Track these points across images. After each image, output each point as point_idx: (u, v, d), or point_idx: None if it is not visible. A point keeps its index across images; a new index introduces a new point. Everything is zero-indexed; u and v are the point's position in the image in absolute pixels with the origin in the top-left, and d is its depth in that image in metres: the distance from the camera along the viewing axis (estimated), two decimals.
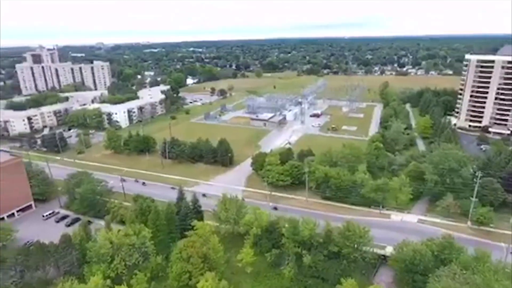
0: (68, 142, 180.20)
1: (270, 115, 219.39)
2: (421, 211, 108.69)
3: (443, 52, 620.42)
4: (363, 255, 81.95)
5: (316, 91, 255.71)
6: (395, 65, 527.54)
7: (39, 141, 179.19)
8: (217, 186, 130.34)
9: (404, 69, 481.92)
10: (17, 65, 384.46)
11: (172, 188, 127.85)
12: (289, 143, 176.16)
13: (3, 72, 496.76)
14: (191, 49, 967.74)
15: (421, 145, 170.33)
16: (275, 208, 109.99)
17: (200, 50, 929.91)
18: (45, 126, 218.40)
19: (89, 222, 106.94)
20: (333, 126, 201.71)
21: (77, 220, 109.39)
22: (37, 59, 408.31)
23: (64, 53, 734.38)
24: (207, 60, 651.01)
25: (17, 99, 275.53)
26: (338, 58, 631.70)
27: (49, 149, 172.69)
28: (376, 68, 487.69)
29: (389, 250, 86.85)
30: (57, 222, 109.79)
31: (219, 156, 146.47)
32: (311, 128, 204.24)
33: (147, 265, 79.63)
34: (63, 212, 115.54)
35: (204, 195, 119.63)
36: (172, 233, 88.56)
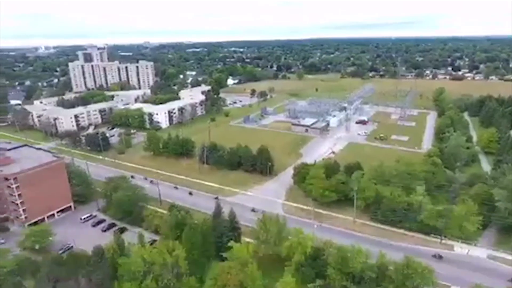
0: (110, 142, 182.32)
1: (312, 120, 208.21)
2: (490, 244, 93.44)
3: (505, 55, 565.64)
4: None
5: (363, 96, 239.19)
6: (449, 68, 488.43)
7: (83, 139, 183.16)
8: (255, 197, 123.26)
9: (460, 73, 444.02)
10: (70, 63, 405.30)
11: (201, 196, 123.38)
12: (333, 152, 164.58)
13: (58, 69, 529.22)
14: (233, 49, 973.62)
15: (484, 162, 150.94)
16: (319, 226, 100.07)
17: (241, 50, 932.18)
18: (90, 124, 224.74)
19: (124, 229, 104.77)
20: (382, 135, 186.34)
21: (113, 225, 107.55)
22: (88, 57, 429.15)
23: (114, 52, 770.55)
24: (248, 60, 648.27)
25: (67, 96, 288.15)
26: (385, 60, 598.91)
27: (92, 148, 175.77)
28: (428, 72, 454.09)
29: None
30: (94, 226, 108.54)
31: (259, 164, 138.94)
32: (357, 136, 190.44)
33: (179, 286, 73.84)
34: (100, 216, 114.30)
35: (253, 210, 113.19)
36: (207, 251, 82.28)
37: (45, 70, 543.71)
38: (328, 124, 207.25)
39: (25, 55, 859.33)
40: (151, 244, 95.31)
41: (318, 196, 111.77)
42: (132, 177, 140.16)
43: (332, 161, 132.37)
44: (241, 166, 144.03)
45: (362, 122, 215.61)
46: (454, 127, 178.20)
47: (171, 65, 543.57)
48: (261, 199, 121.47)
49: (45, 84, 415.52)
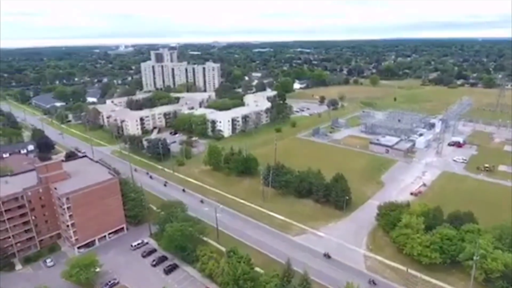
0: (171, 149, 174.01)
1: (394, 139, 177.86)
2: None
3: None
4: None
5: (460, 112, 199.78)
6: None
7: (145, 145, 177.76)
8: (328, 240, 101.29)
9: None
10: (142, 63, 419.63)
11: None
12: (424, 184, 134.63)
13: (133, 68, 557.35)
14: (299, 49, 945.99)
15: None
16: None
17: (308, 50, 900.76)
18: (154, 127, 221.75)
19: (175, 267, 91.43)
20: (487, 165, 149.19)
21: (164, 259, 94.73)
22: (159, 57, 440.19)
23: (184, 51, 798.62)
24: (315, 62, 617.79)
25: (136, 96, 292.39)
26: (474, 65, 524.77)
27: (152, 156, 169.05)
28: None
29: None
30: (144, 257, 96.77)
31: (333, 196, 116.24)
32: (452, 164, 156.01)
33: None
34: (152, 243, 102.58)
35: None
36: None
37: (122, 68, 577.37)
38: (413, 145, 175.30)
39: (107, 52, 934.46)
40: None
41: (414, 254, 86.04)
42: (183, 190, 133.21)
43: (430, 202, 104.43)
44: (311, 195, 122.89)
45: (457, 145, 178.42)
46: None
47: (237, 66, 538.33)
48: (336, 243, 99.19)
49: (119, 82, 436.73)
